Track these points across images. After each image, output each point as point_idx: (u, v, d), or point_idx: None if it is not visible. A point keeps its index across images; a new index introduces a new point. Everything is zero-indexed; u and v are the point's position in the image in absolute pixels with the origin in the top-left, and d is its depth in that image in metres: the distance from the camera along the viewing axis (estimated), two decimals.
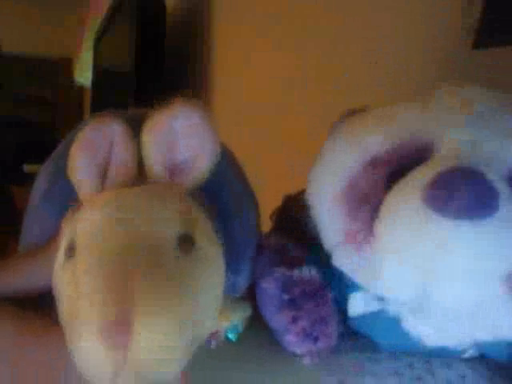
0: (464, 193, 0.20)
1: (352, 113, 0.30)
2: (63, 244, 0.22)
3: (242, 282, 0.29)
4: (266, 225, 0.37)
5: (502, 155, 0.23)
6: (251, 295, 0.30)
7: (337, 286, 0.28)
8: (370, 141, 0.25)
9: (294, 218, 0.32)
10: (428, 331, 0.26)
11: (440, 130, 0.24)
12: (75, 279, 0.20)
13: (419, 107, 0.26)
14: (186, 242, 0.22)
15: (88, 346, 0.18)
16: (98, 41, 1.73)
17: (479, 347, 0.27)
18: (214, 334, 0.29)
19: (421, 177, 0.22)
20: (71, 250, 0.22)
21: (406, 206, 0.22)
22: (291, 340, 0.26)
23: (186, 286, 0.20)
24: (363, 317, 0.28)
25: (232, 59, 1.00)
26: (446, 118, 0.24)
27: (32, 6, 2.66)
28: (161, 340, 0.19)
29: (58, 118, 2.88)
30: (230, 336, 0.29)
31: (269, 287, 0.27)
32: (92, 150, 0.24)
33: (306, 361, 0.27)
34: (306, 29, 0.72)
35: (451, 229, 0.20)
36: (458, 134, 0.23)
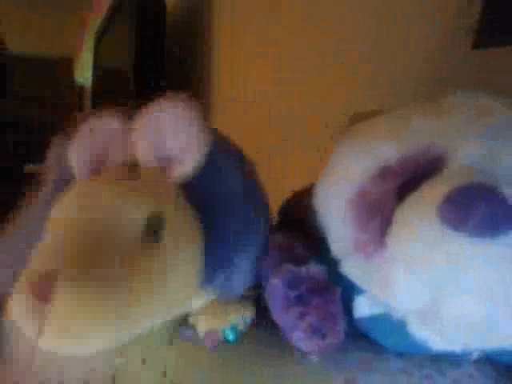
0: (480, 210, 0.20)
1: (360, 117, 0.29)
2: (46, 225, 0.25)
3: (239, 278, 0.29)
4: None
5: None
6: (258, 296, 0.30)
7: (342, 287, 0.28)
8: (382, 149, 0.25)
9: (301, 216, 0.32)
10: (434, 337, 0.26)
11: (455, 142, 0.23)
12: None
13: (433, 116, 0.25)
14: (153, 229, 0.24)
15: (17, 296, 0.21)
16: (98, 41, 1.73)
17: (484, 351, 0.27)
18: (210, 335, 0.29)
19: (436, 191, 0.22)
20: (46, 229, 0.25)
21: (420, 220, 0.22)
22: (299, 336, 0.27)
23: (132, 267, 0.22)
24: (368, 319, 0.28)
25: (232, 59, 1.00)
26: (461, 130, 0.24)
27: (32, 6, 2.66)
28: (81, 302, 0.21)
29: (58, 118, 2.88)
30: (229, 337, 0.29)
31: (276, 284, 0.27)
32: (90, 141, 0.27)
33: (314, 358, 0.27)
34: (306, 28, 0.72)
35: (466, 246, 0.20)
36: (474, 146, 0.23)
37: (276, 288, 0.27)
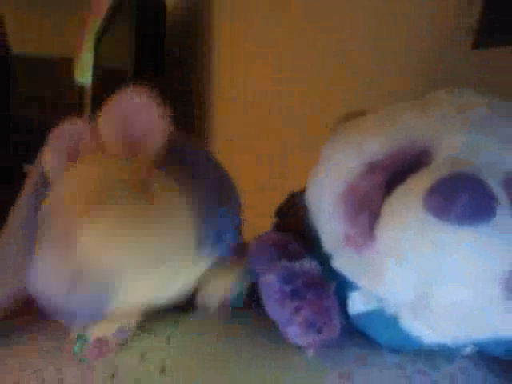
0: (463, 199, 0.20)
1: (351, 116, 0.30)
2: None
3: (227, 235, 0.31)
4: (266, 222, 0.37)
5: (500, 161, 0.23)
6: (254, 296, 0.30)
7: (336, 284, 0.28)
8: (370, 145, 0.26)
9: (297, 216, 0.33)
10: (426, 330, 0.26)
11: (439, 136, 0.24)
12: None
13: (419, 112, 0.26)
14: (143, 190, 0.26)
15: (44, 251, 0.24)
16: (98, 41, 1.73)
17: (477, 344, 0.28)
18: (223, 302, 0.30)
19: (421, 182, 0.22)
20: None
21: (406, 211, 0.22)
22: (294, 331, 0.27)
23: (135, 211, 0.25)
24: (362, 315, 0.28)
25: (232, 59, 1.00)
26: (445, 124, 0.24)
27: (32, 6, 2.66)
28: (103, 235, 0.23)
29: (58, 118, 2.88)
30: (236, 302, 0.30)
31: (271, 279, 0.28)
32: (60, 141, 0.30)
33: (310, 353, 0.27)
34: (306, 28, 0.72)
35: (450, 234, 0.21)
36: (456, 139, 0.24)
37: (271, 283, 0.28)
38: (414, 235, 0.22)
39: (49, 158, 0.31)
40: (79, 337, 0.29)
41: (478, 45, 0.41)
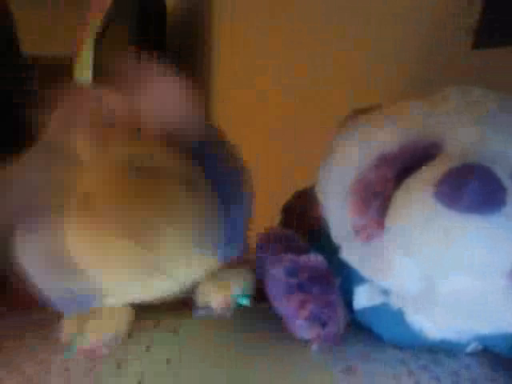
0: (473, 188, 0.21)
1: (358, 112, 0.30)
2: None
3: (235, 236, 0.30)
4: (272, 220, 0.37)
5: (509, 154, 0.23)
6: (261, 292, 0.30)
7: (342, 278, 0.29)
8: (381, 138, 0.26)
9: (304, 213, 0.33)
10: (430, 324, 0.26)
11: (449, 129, 0.24)
12: None
13: (429, 106, 0.26)
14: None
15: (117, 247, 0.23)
16: (98, 41, 1.73)
17: (481, 341, 0.28)
18: (225, 302, 0.29)
19: (432, 173, 0.22)
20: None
21: (416, 201, 0.22)
22: (300, 324, 0.27)
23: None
24: (367, 310, 0.29)
25: (232, 59, 1.00)
26: (455, 118, 0.25)
27: (32, 6, 2.66)
28: (179, 239, 0.23)
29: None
30: (243, 301, 0.29)
31: (276, 273, 0.28)
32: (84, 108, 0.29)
33: (314, 347, 0.27)
34: (306, 28, 0.72)
35: (460, 223, 0.21)
36: (466, 133, 0.24)
37: (277, 276, 0.28)
38: (423, 225, 0.22)
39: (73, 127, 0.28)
40: (70, 341, 0.29)
41: (478, 45, 0.41)
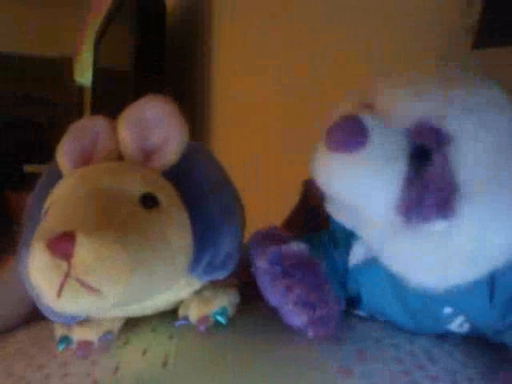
0: (338, 131, 0.25)
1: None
2: (43, 212, 0.27)
3: (222, 259, 0.30)
4: (274, 217, 0.37)
5: (412, 107, 0.26)
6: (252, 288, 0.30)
7: (341, 241, 0.31)
8: (349, 98, 0.31)
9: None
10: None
11: (379, 94, 0.28)
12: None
13: (382, 79, 0.31)
14: (149, 202, 0.26)
15: (37, 256, 0.22)
16: (98, 41, 1.73)
17: (467, 319, 0.28)
18: (203, 319, 0.30)
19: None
20: (46, 212, 0.26)
21: (318, 152, 0.27)
22: (290, 310, 0.28)
23: (138, 229, 0.24)
24: (358, 270, 0.30)
25: (232, 59, 1.00)
26: (388, 85, 0.29)
27: (32, 6, 2.66)
28: (101, 251, 0.22)
29: (58, 117, 2.88)
30: (219, 319, 0.30)
31: (262, 264, 0.29)
32: (77, 140, 0.29)
33: (310, 333, 0.28)
34: (306, 28, 0.72)
35: (333, 161, 0.25)
36: (388, 95, 0.28)
37: (262, 268, 0.29)
38: (320, 171, 0.26)
39: (62, 152, 0.29)
40: (64, 338, 0.29)
41: (478, 45, 0.41)
